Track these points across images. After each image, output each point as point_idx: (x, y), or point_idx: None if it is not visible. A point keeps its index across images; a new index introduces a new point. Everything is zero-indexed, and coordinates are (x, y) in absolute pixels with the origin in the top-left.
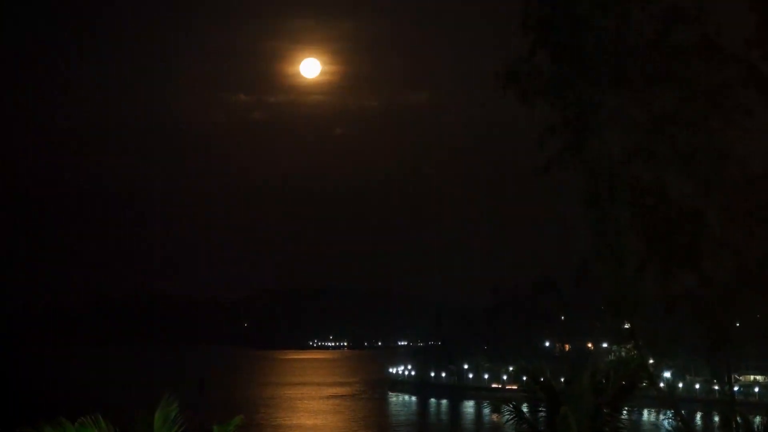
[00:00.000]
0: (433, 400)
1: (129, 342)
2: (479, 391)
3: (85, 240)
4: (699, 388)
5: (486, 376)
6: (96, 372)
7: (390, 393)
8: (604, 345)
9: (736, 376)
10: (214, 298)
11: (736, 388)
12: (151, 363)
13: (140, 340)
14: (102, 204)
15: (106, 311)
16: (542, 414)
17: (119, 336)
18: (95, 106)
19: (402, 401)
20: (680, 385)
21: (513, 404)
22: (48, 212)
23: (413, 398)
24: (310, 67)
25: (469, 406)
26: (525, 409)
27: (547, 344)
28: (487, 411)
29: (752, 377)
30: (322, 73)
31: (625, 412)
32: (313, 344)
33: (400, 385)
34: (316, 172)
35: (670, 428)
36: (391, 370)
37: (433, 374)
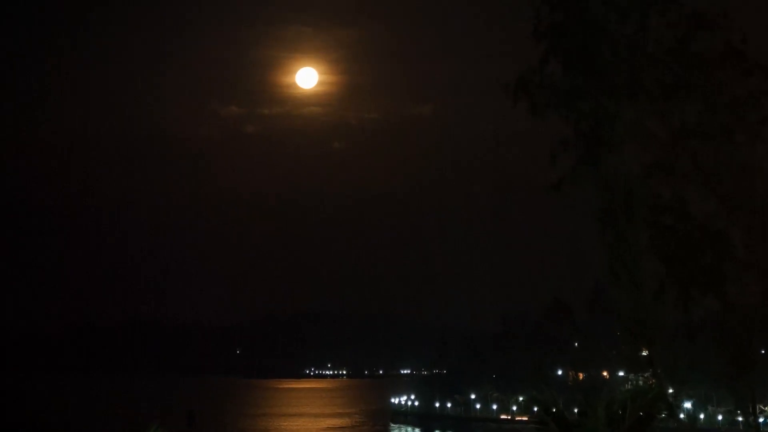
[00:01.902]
0: None
1: (114, 370)
2: (487, 423)
3: (68, 261)
4: (722, 419)
5: (494, 407)
6: (79, 401)
7: (392, 425)
8: (621, 373)
9: (761, 406)
10: (204, 324)
11: (761, 419)
12: (137, 392)
13: (126, 368)
14: (86, 223)
15: (89, 337)
16: None
17: (104, 363)
18: (79, 118)
19: None
20: (702, 416)
21: None
22: (30, 231)
23: (417, 430)
24: (307, 77)
25: None
26: None
27: (560, 373)
28: None
29: None
30: (320, 83)
31: None
32: (310, 372)
33: (403, 416)
34: (312, 188)
35: None
36: (393, 400)
37: (438, 404)
